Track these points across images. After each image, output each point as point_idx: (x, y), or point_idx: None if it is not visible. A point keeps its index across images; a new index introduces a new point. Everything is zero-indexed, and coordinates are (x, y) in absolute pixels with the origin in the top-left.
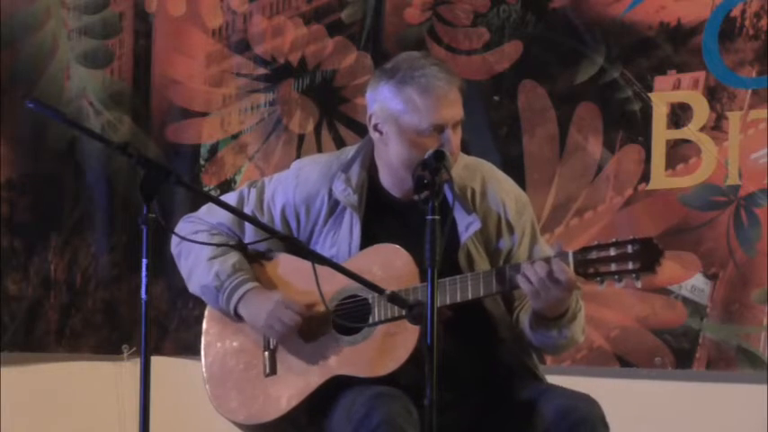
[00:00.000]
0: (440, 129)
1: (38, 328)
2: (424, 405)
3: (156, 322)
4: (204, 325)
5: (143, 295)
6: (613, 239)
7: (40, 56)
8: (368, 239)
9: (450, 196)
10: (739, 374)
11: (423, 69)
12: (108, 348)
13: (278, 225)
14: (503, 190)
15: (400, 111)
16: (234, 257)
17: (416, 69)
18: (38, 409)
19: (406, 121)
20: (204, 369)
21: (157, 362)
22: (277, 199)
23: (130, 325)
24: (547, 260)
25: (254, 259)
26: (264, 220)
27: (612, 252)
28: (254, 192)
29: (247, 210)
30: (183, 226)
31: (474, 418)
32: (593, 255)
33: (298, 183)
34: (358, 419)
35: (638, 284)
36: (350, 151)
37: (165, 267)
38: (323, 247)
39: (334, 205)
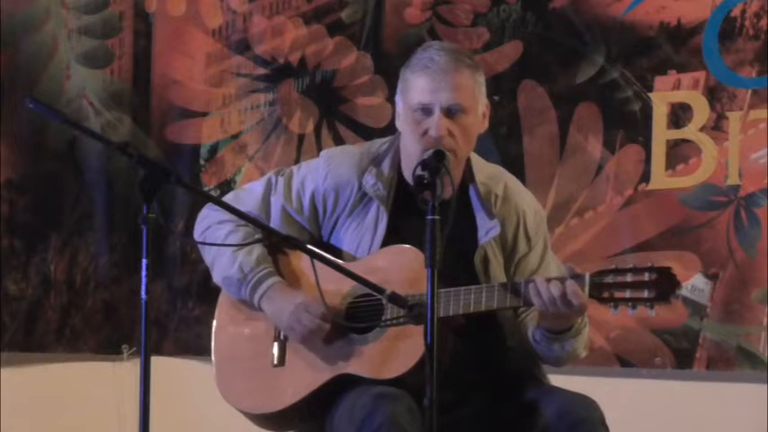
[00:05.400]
0: (428, 110)
1: (38, 328)
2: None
3: (156, 322)
4: (217, 308)
5: (143, 295)
6: (631, 265)
7: (40, 56)
8: (391, 234)
9: (474, 199)
10: (739, 374)
11: (427, 51)
12: (108, 348)
13: (306, 211)
14: (523, 200)
15: (401, 90)
16: (258, 250)
17: (425, 51)
18: (38, 409)
19: (405, 101)
20: (213, 352)
21: (157, 362)
22: (307, 185)
23: (130, 325)
24: (562, 281)
25: (278, 250)
26: (293, 207)
27: (629, 278)
28: (281, 180)
29: (275, 199)
30: (208, 213)
31: (476, 419)
32: (609, 279)
33: (329, 170)
34: (361, 419)
35: (653, 313)
36: (381, 145)
37: (165, 267)
38: (344, 236)
39: (361, 197)
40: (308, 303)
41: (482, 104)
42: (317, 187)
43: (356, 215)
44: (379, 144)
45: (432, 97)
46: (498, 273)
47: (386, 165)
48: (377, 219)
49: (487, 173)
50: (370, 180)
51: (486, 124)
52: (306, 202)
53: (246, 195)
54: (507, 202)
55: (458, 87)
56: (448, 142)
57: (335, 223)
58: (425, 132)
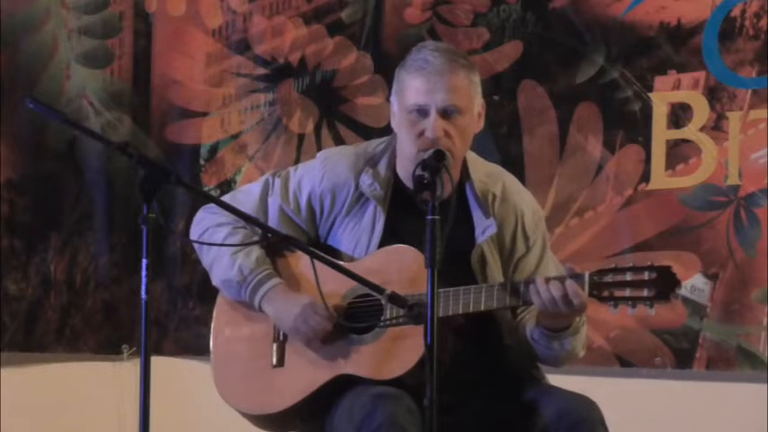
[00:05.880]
0: (423, 111)
1: (38, 328)
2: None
3: (156, 322)
4: (215, 309)
5: (143, 295)
6: (630, 264)
7: (40, 56)
8: (389, 234)
9: (471, 198)
10: (739, 374)
11: (422, 52)
12: (108, 348)
13: (304, 213)
14: (522, 200)
15: (396, 91)
16: (257, 251)
17: (419, 51)
18: (38, 409)
19: (400, 102)
20: (212, 354)
21: (157, 362)
22: (303, 186)
23: (130, 325)
24: (562, 280)
25: (278, 251)
26: (290, 208)
27: (629, 277)
28: (278, 181)
29: (272, 200)
30: (204, 216)
31: (476, 419)
32: (609, 278)
33: (325, 171)
34: (360, 419)
35: (652, 312)
36: (378, 145)
37: (164, 267)
38: (342, 237)
39: (358, 197)
40: (316, 305)
41: (477, 104)
42: (313, 188)
43: (353, 216)
44: (375, 144)
45: (427, 98)
46: (496, 273)
47: (382, 165)
48: (374, 219)
49: (485, 171)
50: (366, 180)
51: (481, 124)
52: (303, 203)
53: (244, 197)
54: (505, 202)
55: (453, 88)
56: (444, 143)
57: (333, 224)
58: (421, 133)
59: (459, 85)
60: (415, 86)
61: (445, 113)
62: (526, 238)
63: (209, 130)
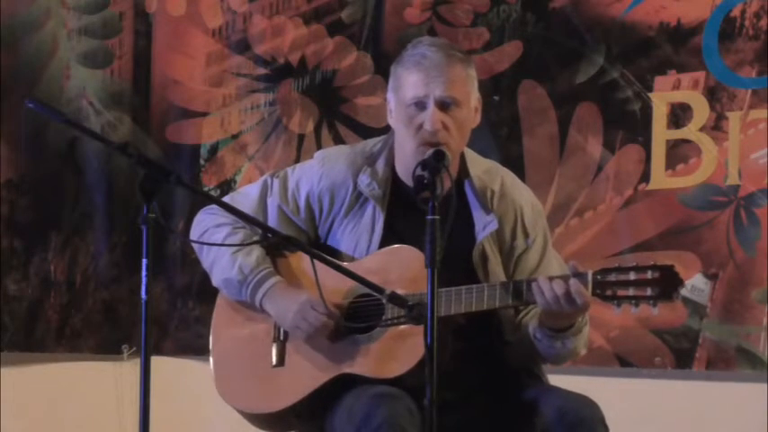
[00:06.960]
0: (421, 105)
1: (38, 328)
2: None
3: (156, 322)
4: (215, 309)
5: (143, 295)
6: (634, 263)
7: (40, 56)
8: (389, 234)
9: (470, 194)
10: (739, 374)
11: (418, 48)
12: (108, 348)
13: (303, 213)
14: (521, 196)
15: (394, 88)
16: (257, 251)
17: (416, 47)
18: (38, 409)
19: (398, 98)
20: (212, 354)
21: (157, 362)
22: (302, 187)
23: (130, 325)
24: (565, 279)
25: (276, 252)
26: (289, 209)
27: (632, 276)
28: (277, 182)
29: (271, 200)
30: (204, 217)
31: (476, 418)
32: (613, 277)
33: (323, 171)
34: (360, 419)
35: (656, 311)
36: (375, 144)
37: (164, 267)
38: (341, 237)
39: (357, 197)
40: (314, 301)
41: (474, 98)
42: (311, 189)
43: (353, 216)
44: (372, 143)
45: (425, 91)
46: (497, 270)
47: (380, 164)
48: (373, 219)
49: (483, 167)
50: (365, 180)
51: (478, 119)
52: (301, 203)
53: (243, 198)
54: (504, 198)
55: (450, 81)
56: (443, 136)
57: (332, 224)
58: (420, 127)
59: (457, 77)
60: (412, 81)
61: (443, 105)
62: (526, 233)
63: (209, 130)
